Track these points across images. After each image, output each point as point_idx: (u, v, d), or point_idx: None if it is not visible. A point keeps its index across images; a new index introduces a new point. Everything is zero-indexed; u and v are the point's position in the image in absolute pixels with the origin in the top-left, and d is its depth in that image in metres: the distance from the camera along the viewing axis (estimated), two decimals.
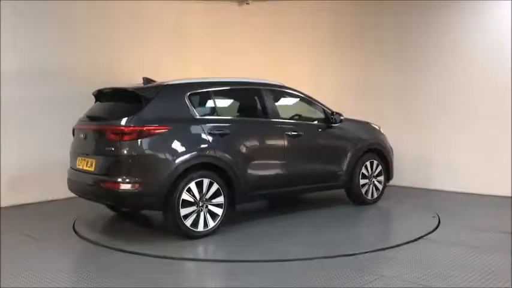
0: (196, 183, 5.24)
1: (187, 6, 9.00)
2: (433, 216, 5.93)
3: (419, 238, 5.31)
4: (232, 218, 5.75)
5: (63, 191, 7.38)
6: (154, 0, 8.57)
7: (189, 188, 5.20)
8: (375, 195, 6.96)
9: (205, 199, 5.31)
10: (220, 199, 5.41)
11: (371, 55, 8.81)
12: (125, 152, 5.06)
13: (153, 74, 7.64)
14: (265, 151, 5.98)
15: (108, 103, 5.85)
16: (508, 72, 7.28)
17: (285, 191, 6.31)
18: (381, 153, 7.02)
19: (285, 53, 9.45)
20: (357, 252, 4.85)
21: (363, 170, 6.75)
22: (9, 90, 7.12)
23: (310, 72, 9.38)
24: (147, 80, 5.91)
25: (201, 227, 5.27)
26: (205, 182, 5.29)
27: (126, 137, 5.06)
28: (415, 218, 6.36)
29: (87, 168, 5.48)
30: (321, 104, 6.64)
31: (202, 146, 5.39)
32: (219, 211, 5.40)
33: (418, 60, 8.31)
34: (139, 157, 5.09)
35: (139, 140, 5.07)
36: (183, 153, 5.21)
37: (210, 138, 5.43)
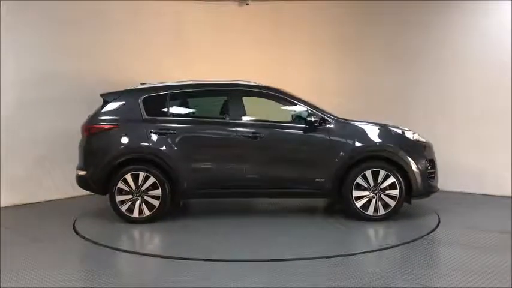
0: (133, 175, 5.96)
1: (187, 6, 9.01)
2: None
3: (419, 238, 5.31)
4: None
5: (63, 191, 7.43)
6: (154, 0, 8.58)
7: (125, 178, 5.94)
8: (381, 212, 5.98)
9: (142, 190, 5.96)
10: (158, 192, 5.96)
11: (371, 55, 8.82)
12: (82, 144, 6.20)
13: (153, 74, 7.66)
14: (214, 151, 6.15)
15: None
16: (507, 72, 7.29)
17: (241, 193, 6.32)
18: (395, 162, 6.00)
19: (284, 53, 9.44)
20: (357, 252, 4.85)
21: (359, 180, 5.96)
22: (9, 91, 7.12)
23: (309, 72, 9.37)
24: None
25: (136, 214, 5.98)
26: (141, 174, 5.97)
27: (85, 133, 6.18)
28: (415, 217, 6.36)
29: None
30: (308, 104, 6.17)
31: (142, 143, 6.04)
32: (156, 202, 5.98)
33: (418, 60, 8.32)
34: (89, 149, 6.13)
35: (91, 136, 6.12)
36: (120, 149, 6.01)
37: (151, 137, 6.03)
